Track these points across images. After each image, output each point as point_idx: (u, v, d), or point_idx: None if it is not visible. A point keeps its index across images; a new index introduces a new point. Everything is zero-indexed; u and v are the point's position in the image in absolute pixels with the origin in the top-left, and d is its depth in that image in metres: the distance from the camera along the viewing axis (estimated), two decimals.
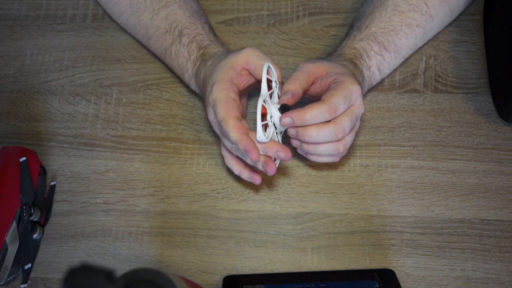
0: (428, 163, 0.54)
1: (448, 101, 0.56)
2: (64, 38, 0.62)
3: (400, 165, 0.54)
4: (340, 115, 0.44)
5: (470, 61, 0.58)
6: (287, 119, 0.43)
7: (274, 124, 0.46)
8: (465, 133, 0.55)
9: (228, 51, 0.51)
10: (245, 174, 0.48)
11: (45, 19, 0.63)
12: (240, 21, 0.62)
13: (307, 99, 0.50)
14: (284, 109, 0.45)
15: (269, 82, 0.47)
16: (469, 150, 0.54)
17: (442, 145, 0.54)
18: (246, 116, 0.56)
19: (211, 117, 0.47)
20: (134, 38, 0.61)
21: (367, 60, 0.51)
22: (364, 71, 0.51)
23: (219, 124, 0.44)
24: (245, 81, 0.48)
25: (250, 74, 0.48)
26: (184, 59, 0.53)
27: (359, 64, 0.51)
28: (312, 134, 0.44)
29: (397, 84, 0.57)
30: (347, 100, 0.44)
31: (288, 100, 0.44)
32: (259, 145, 0.44)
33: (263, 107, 0.44)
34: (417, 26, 0.53)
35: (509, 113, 0.52)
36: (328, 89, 0.45)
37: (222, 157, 0.51)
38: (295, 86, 0.45)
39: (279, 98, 0.47)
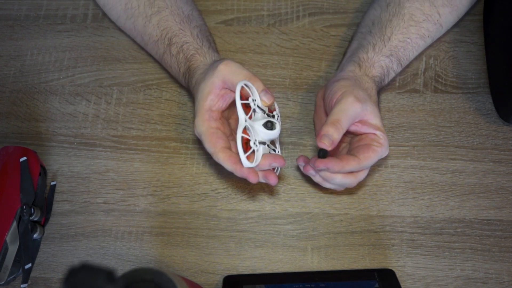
0: (428, 163, 0.54)
1: (448, 101, 0.56)
2: (64, 38, 0.62)
3: (400, 165, 0.54)
4: None
5: (470, 61, 0.58)
6: (322, 167, 0.43)
7: (262, 143, 0.45)
8: (465, 133, 0.55)
9: (213, 57, 0.50)
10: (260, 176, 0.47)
11: (46, 19, 0.63)
12: (240, 21, 0.62)
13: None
14: (323, 153, 0.44)
15: (245, 106, 0.45)
16: (469, 150, 0.54)
17: (442, 145, 0.54)
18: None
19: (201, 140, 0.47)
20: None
21: (385, 79, 0.52)
22: (380, 91, 0.52)
23: (212, 156, 0.46)
24: (228, 100, 0.47)
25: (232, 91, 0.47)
26: (176, 71, 0.53)
27: (380, 85, 0.51)
28: (336, 180, 0.46)
29: (397, 84, 0.57)
30: (378, 159, 0.45)
31: (326, 146, 0.43)
32: None
33: (243, 138, 0.43)
34: (428, 36, 0.53)
35: (509, 113, 0.52)
36: (360, 134, 0.46)
37: None
38: (338, 135, 0.44)
39: (271, 113, 0.47)
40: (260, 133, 0.45)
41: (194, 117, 0.47)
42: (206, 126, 0.45)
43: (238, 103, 0.44)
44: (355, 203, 0.53)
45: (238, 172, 0.44)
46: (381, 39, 0.52)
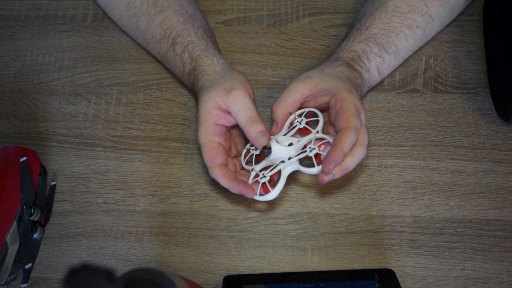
0: (428, 163, 0.54)
1: (448, 101, 0.56)
2: (64, 38, 0.62)
3: (400, 165, 0.54)
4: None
5: (470, 61, 0.58)
6: (332, 165, 0.42)
7: (268, 171, 0.47)
8: (464, 133, 0.55)
9: (221, 60, 0.51)
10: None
11: (46, 19, 0.63)
12: (240, 21, 0.62)
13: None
14: (267, 151, 0.47)
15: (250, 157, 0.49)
16: (469, 150, 0.54)
17: (442, 145, 0.54)
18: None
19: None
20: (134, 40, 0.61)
21: (366, 62, 0.51)
22: (363, 73, 0.51)
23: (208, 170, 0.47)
24: (232, 121, 0.48)
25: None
26: (180, 69, 0.53)
27: (357, 66, 0.50)
28: (350, 165, 0.44)
29: (397, 84, 0.57)
30: (359, 116, 0.45)
31: (273, 132, 0.47)
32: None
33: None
34: (417, 27, 0.53)
35: (508, 113, 0.52)
36: (329, 108, 0.46)
37: None
38: (277, 117, 0.47)
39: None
40: (257, 166, 0.48)
41: (197, 121, 0.48)
42: (209, 139, 0.46)
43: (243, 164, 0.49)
44: (355, 203, 0.53)
45: (235, 189, 0.45)
46: (358, 30, 0.52)
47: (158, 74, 0.60)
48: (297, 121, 0.48)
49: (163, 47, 0.54)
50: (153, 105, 0.58)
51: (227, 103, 0.46)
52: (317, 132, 0.46)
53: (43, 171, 0.54)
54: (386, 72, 0.54)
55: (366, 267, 0.50)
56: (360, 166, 0.54)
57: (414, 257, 0.50)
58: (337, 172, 0.43)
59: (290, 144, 0.46)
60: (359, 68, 0.50)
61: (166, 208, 0.53)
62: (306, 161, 0.45)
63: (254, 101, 0.49)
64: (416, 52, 0.57)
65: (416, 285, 0.49)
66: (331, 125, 0.48)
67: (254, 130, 0.45)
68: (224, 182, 0.45)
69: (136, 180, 0.55)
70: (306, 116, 0.48)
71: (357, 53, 0.51)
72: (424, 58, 0.58)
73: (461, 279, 0.49)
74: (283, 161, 0.46)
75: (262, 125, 0.46)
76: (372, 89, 0.57)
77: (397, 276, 0.49)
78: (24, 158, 0.52)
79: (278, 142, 0.47)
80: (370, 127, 0.55)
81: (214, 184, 0.54)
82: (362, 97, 0.55)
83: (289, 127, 0.48)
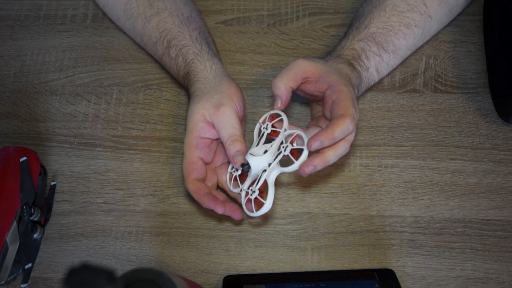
0: (428, 163, 0.54)
1: (448, 101, 0.56)
2: (64, 38, 0.62)
3: (400, 165, 0.54)
4: None
5: (470, 61, 0.58)
6: (317, 143, 0.42)
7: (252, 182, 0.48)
8: (464, 133, 0.55)
9: (214, 65, 0.51)
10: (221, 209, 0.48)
11: (46, 19, 0.63)
12: (240, 21, 0.62)
13: (298, 94, 0.50)
14: (247, 167, 0.47)
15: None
16: (469, 150, 0.54)
17: (442, 145, 0.54)
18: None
19: None
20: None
21: (365, 61, 0.51)
22: (362, 73, 0.51)
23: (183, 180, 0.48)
24: (217, 135, 0.48)
25: None
26: (175, 73, 0.53)
27: (357, 65, 0.50)
28: (331, 158, 0.44)
29: (397, 84, 0.57)
30: (355, 106, 0.45)
31: (278, 107, 0.46)
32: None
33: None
34: (415, 26, 0.53)
35: (509, 113, 0.52)
36: (325, 98, 0.46)
37: None
38: (280, 90, 0.46)
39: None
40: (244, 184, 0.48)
41: (185, 128, 0.49)
42: (190, 152, 0.48)
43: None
44: (355, 203, 0.53)
45: (205, 205, 0.46)
46: (357, 28, 0.53)
47: (158, 74, 0.60)
48: (263, 127, 0.48)
49: (159, 49, 0.54)
50: (153, 105, 0.58)
51: (213, 118, 0.47)
52: (285, 130, 0.46)
53: (43, 171, 0.54)
54: (385, 71, 0.54)
55: (366, 267, 0.50)
56: (360, 166, 0.54)
57: (414, 257, 0.50)
58: (318, 164, 0.43)
59: (266, 152, 0.46)
60: (359, 68, 0.50)
61: (166, 208, 0.53)
62: (287, 161, 0.45)
63: (242, 116, 0.49)
64: (416, 52, 0.57)
65: (416, 285, 0.49)
66: (323, 118, 0.49)
67: (233, 148, 0.46)
68: (196, 196, 0.47)
69: (136, 180, 0.55)
70: (269, 120, 0.48)
71: (356, 52, 0.51)
72: (424, 58, 0.58)
73: (461, 279, 0.49)
74: (265, 170, 0.46)
75: (242, 145, 0.47)
76: (372, 89, 0.57)
77: (397, 276, 0.49)
78: (24, 158, 0.52)
79: (253, 155, 0.47)
80: (370, 127, 0.55)
81: None
82: (360, 97, 0.56)
83: (258, 137, 0.49)
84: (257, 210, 0.45)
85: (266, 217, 0.53)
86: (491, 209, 0.52)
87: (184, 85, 0.53)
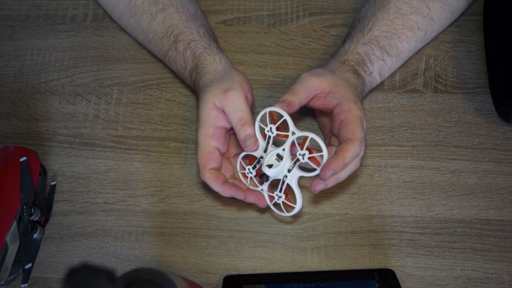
0: (428, 163, 0.54)
1: (448, 101, 0.56)
2: (64, 38, 0.62)
3: (400, 165, 0.54)
4: None
5: (470, 61, 0.58)
6: (330, 173, 0.43)
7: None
8: (464, 133, 0.55)
9: (223, 60, 0.51)
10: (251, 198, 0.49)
11: (46, 19, 0.63)
12: (240, 21, 0.62)
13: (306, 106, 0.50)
14: (266, 177, 0.47)
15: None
16: (469, 150, 0.54)
17: (442, 145, 0.54)
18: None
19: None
20: (134, 38, 0.61)
21: (369, 65, 0.51)
22: (366, 78, 0.51)
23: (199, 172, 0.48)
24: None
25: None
26: (181, 67, 0.53)
27: (361, 71, 0.50)
28: (342, 176, 0.46)
29: (397, 84, 0.57)
30: (363, 128, 0.45)
31: (283, 107, 0.45)
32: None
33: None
34: (418, 29, 0.53)
35: (509, 113, 0.52)
36: (333, 115, 0.47)
37: None
38: (293, 98, 0.45)
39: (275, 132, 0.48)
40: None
41: (197, 121, 0.48)
42: (206, 142, 0.47)
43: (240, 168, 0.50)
44: (355, 203, 0.53)
45: (226, 193, 0.46)
46: (361, 31, 0.52)
47: (158, 74, 0.60)
48: (267, 131, 0.47)
49: (165, 45, 0.54)
50: (153, 105, 0.58)
51: (222, 103, 0.46)
52: (293, 133, 0.46)
53: (43, 171, 0.54)
54: (386, 74, 0.54)
55: (366, 267, 0.50)
56: (360, 166, 0.54)
57: (414, 257, 0.50)
58: (330, 182, 0.44)
59: (278, 156, 0.46)
60: (363, 73, 0.51)
61: (166, 208, 0.53)
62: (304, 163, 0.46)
63: (251, 103, 0.49)
64: (416, 52, 0.57)
65: (416, 285, 0.49)
66: (334, 136, 0.48)
67: (243, 132, 0.46)
68: (214, 186, 0.46)
69: (136, 180, 0.55)
70: (270, 121, 0.47)
71: (361, 56, 0.51)
72: (424, 58, 0.58)
73: (461, 279, 0.49)
74: (285, 176, 0.46)
75: (251, 129, 0.46)
76: (372, 89, 0.57)
77: (397, 276, 0.49)
78: (24, 158, 0.52)
79: (269, 166, 0.47)
80: (370, 127, 0.55)
81: None
82: (362, 99, 0.56)
83: (265, 141, 0.48)
84: (287, 211, 0.48)
85: (266, 217, 0.53)
86: (491, 209, 0.52)
87: (190, 80, 0.53)
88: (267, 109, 0.46)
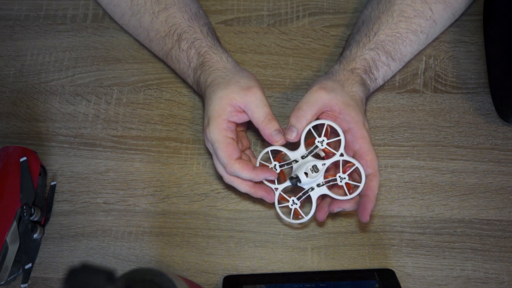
0: (428, 163, 0.54)
1: (448, 101, 0.56)
2: (64, 38, 0.62)
3: (400, 165, 0.54)
4: None
5: (470, 61, 0.58)
6: (368, 216, 0.44)
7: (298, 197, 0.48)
8: (464, 133, 0.55)
9: (229, 58, 0.51)
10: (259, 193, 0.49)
11: (46, 19, 0.63)
12: (240, 21, 0.62)
13: None
14: (295, 181, 0.47)
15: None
16: (469, 150, 0.54)
17: (442, 145, 0.54)
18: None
19: (208, 145, 0.48)
20: (135, 38, 0.61)
21: (375, 72, 0.51)
22: (371, 85, 0.51)
23: (224, 168, 0.47)
24: (243, 118, 0.48)
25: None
26: (185, 65, 0.53)
27: (367, 79, 0.50)
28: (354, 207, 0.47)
29: (397, 84, 0.57)
30: (373, 149, 0.47)
31: (291, 138, 0.46)
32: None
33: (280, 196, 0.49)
34: (421, 32, 0.53)
35: (508, 113, 0.52)
36: (345, 136, 0.46)
37: None
38: (300, 124, 0.46)
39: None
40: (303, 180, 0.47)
41: (206, 118, 0.48)
42: (222, 135, 0.46)
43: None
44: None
45: (260, 176, 0.46)
46: (366, 35, 0.52)
47: (158, 74, 0.60)
48: (318, 141, 0.46)
49: (167, 43, 0.54)
50: (153, 105, 0.58)
51: (245, 100, 0.46)
52: (342, 154, 0.46)
53: (43, 171, 0.54)
54: (388, 78, 0.54)
55: (366, 267, 0.50)
56: None
57: (414, 257, 0.50)
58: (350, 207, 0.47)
59: (313, 168, 0.46)
60: (369, 82, 0.51)
61: (166, 208, 0.53)
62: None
63: None
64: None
65: (416, 285, 0.49)
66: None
67: (272, 127, 0.46)
68: (247, 173, 0.45)
69: (136, 180, 0.55)
70: (325, 134, 0.46)
71: (368, 63, 0.51)
72: (424, 58, 0.58)
73: (461, 279, 0.49)
74: (312, 188, 0.47)
75: (278, 123, 0.47)
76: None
77: (397, 276, 0.49)
78: (24, 158, 0.52)
79: (305, 172, 0.46)
80: (370, 127, 0.55)
81: (214, 184, 0.54)
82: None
83: (307, 147, 0.47)
84: (295, 219, 0.48)
85: (266, 217, 0.53)
86: (491, 209, 0.52)
87: (192, 78, 0.52)
88: (325, 122, 0.46)
